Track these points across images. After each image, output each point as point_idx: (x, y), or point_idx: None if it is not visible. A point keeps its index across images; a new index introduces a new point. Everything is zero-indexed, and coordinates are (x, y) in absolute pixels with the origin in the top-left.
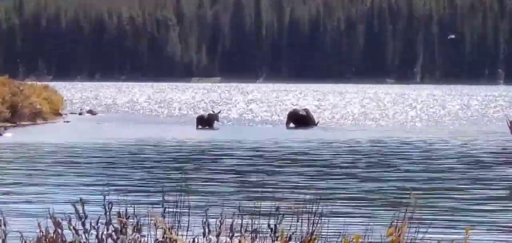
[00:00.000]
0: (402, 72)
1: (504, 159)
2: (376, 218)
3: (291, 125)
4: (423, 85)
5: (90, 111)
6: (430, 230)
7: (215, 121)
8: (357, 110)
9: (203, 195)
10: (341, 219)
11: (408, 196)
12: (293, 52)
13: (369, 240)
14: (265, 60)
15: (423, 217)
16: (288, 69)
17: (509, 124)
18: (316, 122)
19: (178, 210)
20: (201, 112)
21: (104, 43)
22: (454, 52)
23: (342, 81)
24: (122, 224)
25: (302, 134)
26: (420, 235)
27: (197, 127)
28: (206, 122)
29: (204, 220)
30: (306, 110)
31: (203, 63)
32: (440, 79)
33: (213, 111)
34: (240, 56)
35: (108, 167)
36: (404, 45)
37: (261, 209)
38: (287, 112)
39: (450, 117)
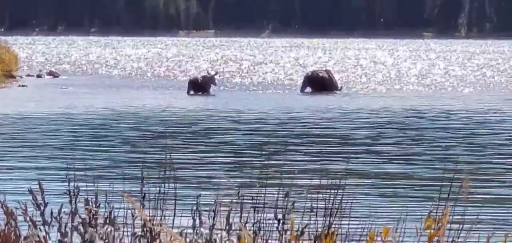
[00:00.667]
0: (443, 24)
1: None
2: (409, 207)
3: (308, 89)
4: (470, 41)
5: (51, 73)
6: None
7: (212, 85)
8: (391, 73)
9: (193, 179)
10: (365, 209)
11: (449, 180)
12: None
13: (401, 235)
14: (272, 9)
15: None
16: (301, 20)
17: None
18: (340, 86)
19: (162, 197)
20: (194, 74)
21: None
22: (509, 1)
23: (368, 36)
24: (90, 214)
25: (320, 101)
26: (464, 232)
27: (188, 92)
28: (200, 86)
29: (194, 209)
30: (327, 71)
31: (193, 12)
32: (491, 33)
33: (208, 73)
34: (239, 3)
35: (74, 143)
36: None
37: (266, 196)
38: (303, 75)
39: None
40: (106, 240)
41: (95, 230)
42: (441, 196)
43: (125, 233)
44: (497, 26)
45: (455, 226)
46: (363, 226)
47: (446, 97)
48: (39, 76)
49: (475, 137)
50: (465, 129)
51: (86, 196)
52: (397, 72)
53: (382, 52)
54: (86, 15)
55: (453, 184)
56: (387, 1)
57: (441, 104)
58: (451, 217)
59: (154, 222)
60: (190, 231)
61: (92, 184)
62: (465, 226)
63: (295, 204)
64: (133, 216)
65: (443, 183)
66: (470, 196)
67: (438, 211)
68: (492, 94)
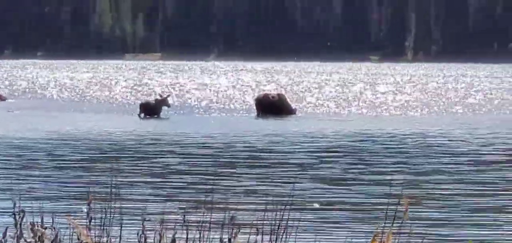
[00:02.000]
0: (389, 47)
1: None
2: (357, 230)
3: (262, 113)
4: (416, 64)
5: None
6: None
7: (164, 108)
8: (341, 97)
9: (139, 202)
10: (312, 231)
11: (397, 203)
12: (253, 23)
13: None
14: (218, 34)
15: (415, 229)
16: (246, 44)
17: None
18: (294, 109)
19: (108, 219)
20: (145, 97)
21: (15, 10)
22: (455, 23)
23: (315, 59)
24: (36, 237)
25: (272, 125)
26: None
27: (139, 115)
28: (151, 109)
29: (140, 232)
30: (280, 95)
31: (140, 35)
32: (436, 56)
33: (160, 96)
34: (186, 28)
35: (20, 166)
36: (391, 13)
37: (212, 219)
38: (254, 98)
39: (459, 104)
40: None
41: None
42: (386, 220)
43: None
44: (443, 49)
45: None
46: None
47: (395, 121)
48: None
49: (424, 160)
50: (415, 152)
51: (32, 219)
52: (346, 96)
53: (331, 76)
54: (32, 39)
55: (397, 208)
56: (333, 25)
57: (392, 128)
58: (396, 241)
59: None
60: None
61: (39, 207)
62: None
63: (240, 227)
64: (78, 239)
65: (389, 207)
66: (415, 220)
67: (383, 235)
68: (440, 118)
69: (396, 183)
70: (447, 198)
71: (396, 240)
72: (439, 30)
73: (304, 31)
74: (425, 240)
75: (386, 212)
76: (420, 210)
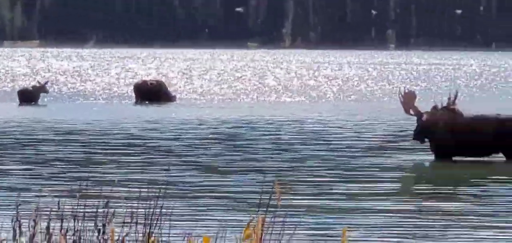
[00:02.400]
0: (268, 34)
1: (395, 144)
2: (231, 217)
3: (140, 100)
4: (294, 50)
5: None
6: (298, 231)
7: (42, 95)
8: (223, 83)
9: (13, 189)
10: (185, 219)
11: (270, 190)
12: (132, 9)
13: None
14: (96, 20)
15: (288, 217)
16: (125, 31)
17: (401, 98)
18: (174, 96)
19: None
20: (23, 84)
21: None
22: (333, 9)
23: (193, 46)
24: None
25: (151, 112)
26: (287, 236)
27: (20, 103)
28: (28, 96)
29: (14, 219)
30: (158, 82)
31: (18, 23)
32: (315, 43)
33: (38, 83)
34: (64, 15)
35: None
36: (269, 0)
37: (86, 206)
38: (133, 85)
39: (335, 90)
40: None
41: None
42: (260, 206)
43: None
44: (321, 35)
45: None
46: (184, 235)
47: (275, 108)
48: None
49: (300, 146)
50: (287, 139)
51: None
52: (228, 82)
53: (213, 62)
54: None
55: (271, 195)
56: (211, 11)
57: (270, 114)
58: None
59: None
60: (10, 240)
61: None
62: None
63: (115, 213)
64: None
65: (262, 194)
66: (288, 207)
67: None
68: (322, 104)
69: (271, 170)
70: (321, 184)
71: (270, 228)
72: (317, 17)
73: (183, 18)
74: (298, 227)
75: (260, 200)
76: (294, 197)
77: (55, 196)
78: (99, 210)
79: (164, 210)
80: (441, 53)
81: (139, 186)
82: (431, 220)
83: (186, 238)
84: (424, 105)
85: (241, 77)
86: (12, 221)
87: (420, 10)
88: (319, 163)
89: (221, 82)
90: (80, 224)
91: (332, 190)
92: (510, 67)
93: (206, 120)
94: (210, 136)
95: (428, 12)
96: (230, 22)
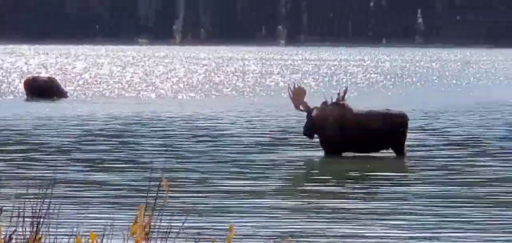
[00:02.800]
0: (158, 30)
1: (285, 140)
2: (119, 213)
3: (31, 96)
4: (185, 47)
5: None
6: (185, 229)
7: None
8: (116, 78)
9: None
10: (73, 216)
11: (158, 186)
12: (21, 8)
13: (109, 240)
14: None
15: (176, 215)
16: (16, 28)
17: (291, 94)
18: (65, 91)
19: None
20: None
21: None
22: (223, 6)
23: (83, 42)
24: None
25: (41, 108)
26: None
27: None
28: None
29: None
30: (50, 78)
31: None
32: (204, 39)
33: None
34: None
35: None
36: None
37: None
38: (24, 81)
39: (226, 87)
40: None
41: None
42: (147, 203)
43: None
44: (211, 33)
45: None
46: (71, 232)
47: (166, 104)
48: None
49: (186, 143)
50: (177, 136)
51: None
52: (117, 79)
53: (104, 59)
54: None
55: (158, 192)
56: (101, 8)
57: (160, 111)
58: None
59: None
60: None
61: None
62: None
63: (2, 211)
64: None
65: (149, 191)
66: (176, 204)
67: (145, 217)
68: (214, 101)
69: (159, 167)
70: (209, 182)
71: (156, 225)
72: (208, 14)
73: (74, 15)
74: (186, 223)
75: (147, 196)
76: (181, 194)
77: None
78: None
79: (51, 208)
80: (332, 49)
81: (26, 183)
82: (319, 218)
83: (73, 236)
84: (314, 101)
85: (132, 73)
86: None
87: (310, 7)
88: (208, 159)
89: (112, 78)
90: None
91: (219, 187)
92: (399, 62)
93: (97, 116)
94: (100, 132)
95: (318, 8)
96: (120, 18)
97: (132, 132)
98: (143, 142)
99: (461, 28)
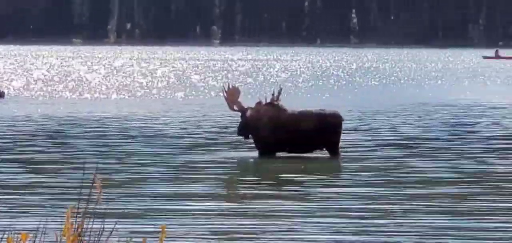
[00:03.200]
0: (92, 30)
1: (220, 140)
2: (52, 213)
3: None
4: (119, 47)
5: None
6: (120, 225)
7: None
8: (53, 78)
9: None
10: (5, 216)
11: (90, 185)
12: None
13: (42, 240)
14: None
15: (110, 215)
16: None
17: (225, 94)
18: (2, 92)
19: None
20: None
21: None
22: (158, 6)
23: (18, 43)
24: None
25: None
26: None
27: None
28: None
29: None
30: None
31: None
32: (140, 39)
33: None
34: None
35: None
36: None
37: None
38: None
39: (162, 86)
40: None
41: None
42: (80, 203)
43: None
44: (146, 32)
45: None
46: (3, 233)
47: (101, 104)
48: None
49: (121, 142)
50: (112, 135)
51: None
52: (55, 79)
53: (39, 59)
54: None
55: (91, 190)
56: (35, 8)
57: (96, 111)
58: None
59: None
60: None
61: None
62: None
63: None
64: None
65: (82, 189)
66: (111, 204)
67: (77, 217)
68: (150, 101)
69: (92, 168)
70: (141, 182)
71: (89, 226)
72: (142, 13)
73: (7, 15)
74: (118, 225)
75: (80, 194)
76: (113, 195)
77: None
78: None
79: None
80: (266, 49)
81: None
82: (252, 220)
83: (5, 236)
84: (248, 101)
85: (68, 73)
86: None
87: (245, 7)
88: (141, 160)
89: (48, 78)
90: None
91: (152, 189)
92: (333, 63)
93: (33, 117)
94: (34, 133)
95: (253, 8)
96: (54, 18)
97: (66, 132)
98: (78, 143)
99: (396, 28)
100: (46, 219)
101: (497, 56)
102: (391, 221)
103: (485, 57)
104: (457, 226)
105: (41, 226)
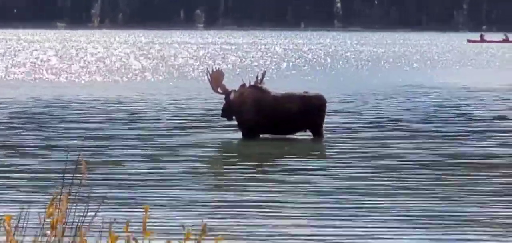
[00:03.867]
0: (76, 14)
1: (204, 123)
2: (35, 195)
3: None
4: (103, 31)
5: None
6: (104, 209)
7: None
8: (37, 62)
9: None
10: None
11: (74, 168)
12: None
13: (25, 221)
14: None
15: (94, 196)
16: None
17: (209, 77)
18: None
19: None
20: None
21: None
22: None
23: (1, 27)
24: None
25: None
26: (91, 213)
27: None
28: None
29: None
30: None
31: None
32: (123, 23)
33: None
34: None
35: None
36: None
37: None
38: None
39: (150, 69)
40: None
41: None
42: (63, 185)
43: None
44: (129, 17)
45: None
46: None
47: (89, 87)
48: None
49: (103, 126)
50: (94, 119)
51: None
52: (38, 62)
53: (17, 43)
54: None
55: (74, 173)
56: None
57: (83, 93)
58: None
59: None
60: None
61: None
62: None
63: None
64: None
65: (65, 173)
66: (95, 185)
67: (60, 200)
68: (138, 83)
69: (77, 150)
70: (126, 165)
71: (75, 205)
72: None
73: None
74: (106, 201)
75: (63, 178)
76: (98, 177)
77: None
78: None
79: None
80: (250, 33)
81: None
82: (234, 203)
83: None
84: (232, 83)
85: (54, 55)
86: None
87: None
88: (127, 143)
89: (34, 61)
90: None
91: (136, 172)
92: (317, 46)
93: (19, 100)
94: (18, 116)
95: None
96: (38, 2)
97: (51, 114)
98: (63, 125)
99: (380, 12)
100: (30, 201)
101: (482, 40)
102: (373, 203)
103: (469, 41)
104: (436, 210)
105: (24, 208)
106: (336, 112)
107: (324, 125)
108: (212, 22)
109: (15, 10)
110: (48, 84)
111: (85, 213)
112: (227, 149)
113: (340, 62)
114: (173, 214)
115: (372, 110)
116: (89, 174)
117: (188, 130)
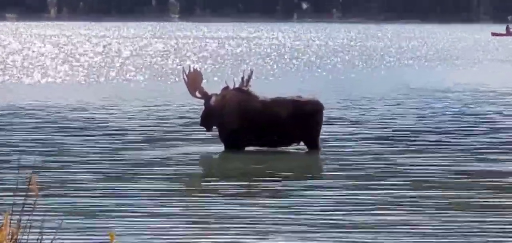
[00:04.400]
0: (29, 4)
1: (180, 133)
2: None
3: None
4: (61, 22)
5: None
6: (59, 235)
7: None
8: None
9: None
10: None
11: (28, 182)
12: None
13: None
14: None
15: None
16: None
17: (185, 79)
18: None
19: None
20: None
21: None
22: None
23: None
24: None
25: None
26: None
27: None
28: None
29: None
30: None
31: None
32: (83, 14)
33: None
34: None
35: None
36: None
37: None
38: None
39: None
40: None
41: None
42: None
43: None
44: (90, 6)
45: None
46: None
47: (43, 90)
48: None
49: (53, 135)
50: (47, 126)
51: None
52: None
53: None
54: None
55: (28, 192)
56: None
57: (37, 98)
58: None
59: None
60: None
61: None
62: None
63: None
64: None
65: (17, 192)
66: (52, 206)
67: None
68: (102, 85)
69: (29, 166)
70: (85, 182)
71: (27, 230)
72: None
73: None
74: (59, 230)
75: (13, 198)
76: (55, 196)
77: None
78: None
79: None
80: (234, 25)
81: None
82: (213, 225)
83: None
84: (213, 86)
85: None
86: None
87: None
88: (86, 157)
89: None
90: None
91: (97, 189)
92: (313, 40)
93: None
94: None
95: None
96: None
97: (3, 124)
98: (14, 136)
99: (382, 2)
100: None
101: (509, 33)
102: (372, 233)
103: (493, 34)
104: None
105: None
106: (334, 120)
107: (320, 135)
108: (188, 12)
109: None
110: (4, 86)
111: (40, 239)
112: (206, 164)
113: (339, 60)
114: (142, 239)
115: (376, 118)
116: (42, 196)
117: (160, 143)
